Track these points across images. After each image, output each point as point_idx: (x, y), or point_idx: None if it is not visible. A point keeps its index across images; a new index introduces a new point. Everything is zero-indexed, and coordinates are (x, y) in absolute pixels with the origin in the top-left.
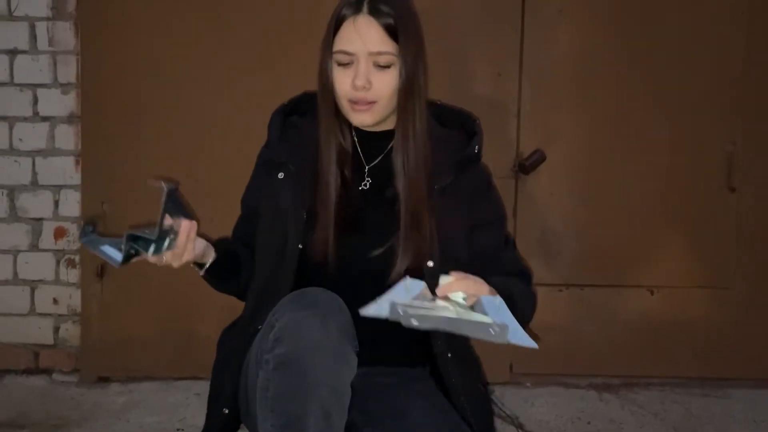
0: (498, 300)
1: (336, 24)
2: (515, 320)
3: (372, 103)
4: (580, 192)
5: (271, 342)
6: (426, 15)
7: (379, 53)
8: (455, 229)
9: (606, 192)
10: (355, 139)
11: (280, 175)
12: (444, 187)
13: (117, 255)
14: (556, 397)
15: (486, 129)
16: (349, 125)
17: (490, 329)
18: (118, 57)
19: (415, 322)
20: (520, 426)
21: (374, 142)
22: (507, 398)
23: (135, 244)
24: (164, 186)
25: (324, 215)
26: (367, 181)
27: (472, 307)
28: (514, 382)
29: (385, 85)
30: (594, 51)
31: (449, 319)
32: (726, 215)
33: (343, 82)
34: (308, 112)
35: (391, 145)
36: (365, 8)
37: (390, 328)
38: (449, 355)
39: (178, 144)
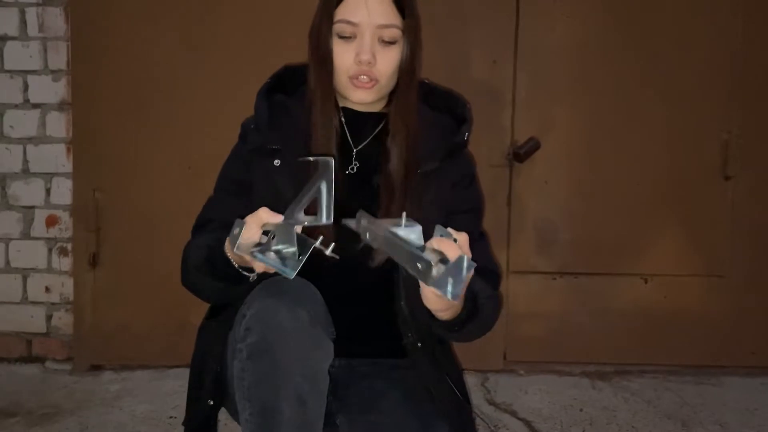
0: (463, 264)
1: None
2: (460, 286)
3: (375, 81)
4: (574, 180)
5: (243, 331)
6: (421, 0)
7: (387, 26)
8: (432, 216)
9: (600, 180)
10: (343, 120)
11: (276, 162)
12: (428, 172)
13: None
14: (549, 384)
15: (480, 116)
16: (337, 105)
17: (418, 263)
18: (109, 43)
19: (367, 237)
20: (513, 413)
21: (363, 124)
22: (500, 386)
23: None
24: (325, 160)
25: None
26: (355, 164)
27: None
28: (508, 370)
29: (389, 62)
30: (589, 38)
31: (388, 238)
32: (721, 203)
33: (343, 56)
34: (295, 91)
35: (379, 128)
36: None
37: (371, 321)
38: (419, 344)
39: (170, 131)
